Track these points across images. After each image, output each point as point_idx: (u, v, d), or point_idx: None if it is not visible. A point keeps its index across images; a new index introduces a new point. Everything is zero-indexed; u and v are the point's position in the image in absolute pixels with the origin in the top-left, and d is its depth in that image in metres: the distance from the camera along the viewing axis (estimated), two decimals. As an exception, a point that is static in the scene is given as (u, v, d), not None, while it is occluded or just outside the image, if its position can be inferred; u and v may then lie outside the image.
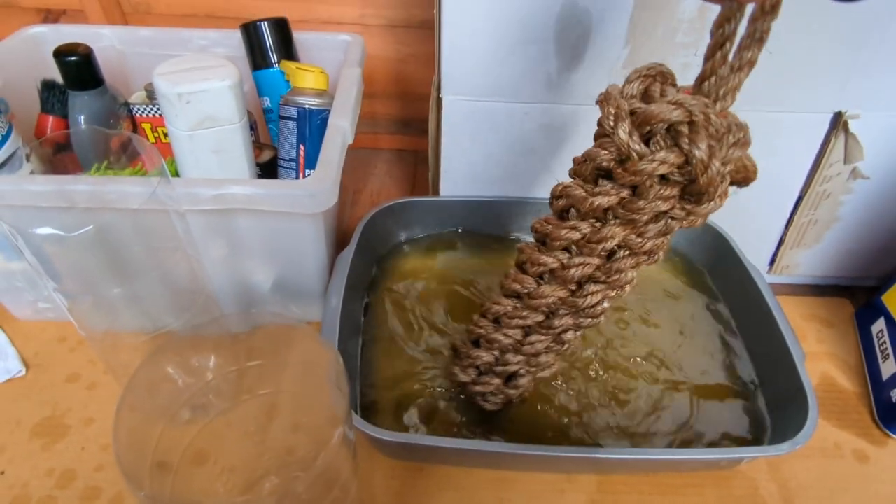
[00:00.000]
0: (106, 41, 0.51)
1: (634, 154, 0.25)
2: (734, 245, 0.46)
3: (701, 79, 0.26)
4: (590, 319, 0.31)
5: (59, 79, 0.46)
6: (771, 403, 0.40)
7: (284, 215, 0.36)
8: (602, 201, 0.27)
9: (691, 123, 0.24)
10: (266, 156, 0.49)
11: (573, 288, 0.30)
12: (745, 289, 0.44)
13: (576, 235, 0.29)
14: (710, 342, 0.44)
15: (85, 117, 0.46)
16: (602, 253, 0.29)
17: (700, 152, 0.24)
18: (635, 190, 0.27)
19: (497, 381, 0.36)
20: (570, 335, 0.33)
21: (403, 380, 0.41)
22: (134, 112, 0.49)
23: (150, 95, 0.49)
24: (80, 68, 0.44)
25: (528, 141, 0.46)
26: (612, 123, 0.26)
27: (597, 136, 0.28)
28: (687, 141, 0.24)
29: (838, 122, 0.43)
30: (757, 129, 0.41)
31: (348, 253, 0.43)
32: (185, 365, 0.40)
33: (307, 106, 0.44)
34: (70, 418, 0.41)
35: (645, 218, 0.27)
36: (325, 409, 0.34)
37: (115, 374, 0.41)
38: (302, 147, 0.44)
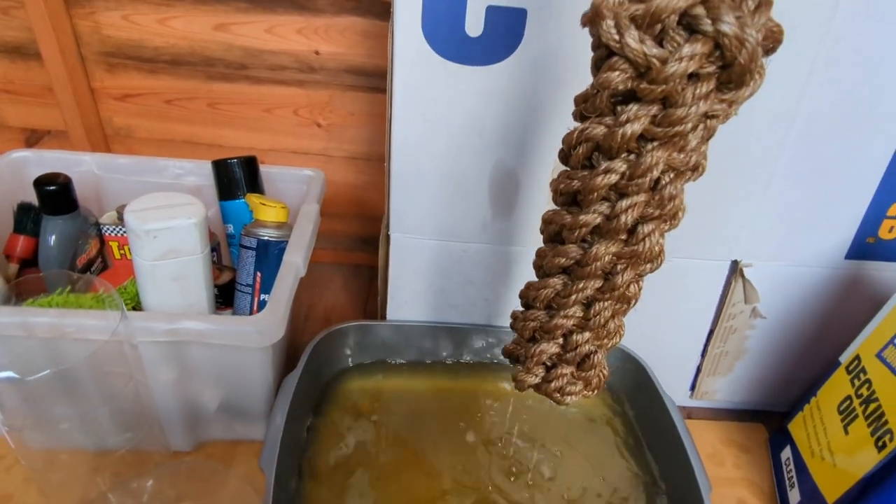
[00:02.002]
0: (85, 166, 0.55)
1: (655, 61, 0.22)
2: (651, 375, 0.50)
3: None
4: (650, 264, 0.28)
5: (35, 201, 0.50)
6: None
7: (235, 346, 0.39)
8: (634, 128, 0.24)
9: (706, 1, 0.21)
10: (225, 277, 0.52)
11: (624, 237, 0.27)
12: (659, 419, 0.48)
13: (613, 178, 0.25)
14: (625, 471, 0.47)
15: (56, 238, 0.49)
16: (649, 186, 0.25)
17: (730, 27, 0.21)
18: (667, 101, 0.23)
19: (570, 368, 0.33)
20: (633, 289, 0.29)
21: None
22: (103, 231, 0.53)
23: (121, 216, 0.53)
24: (57, 196, 0.48)
25: (466, 274, 0.50)
26: (616, 36, 0.23)
27: (596, 62, 0.25)
28: (709, 21, 0.21)
29: (736, 269, 0.49)
30: (670, 273, 0.47)
31: (294, 376, 0.46)
32: (122, 486, 0.41)
33: (266, 238, 0.48)
34: (-3, 543, 0.40)
35: (689, 127, 0.24)
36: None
37: (48, 496, 0.41)
38: (259, 274, 0.48)
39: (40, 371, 0.31)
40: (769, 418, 0.57)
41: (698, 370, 0.55)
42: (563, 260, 0.29)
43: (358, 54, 0.59)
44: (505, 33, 0.40)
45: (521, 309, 0.33)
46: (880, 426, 0.39)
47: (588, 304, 0.30)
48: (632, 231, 0.27)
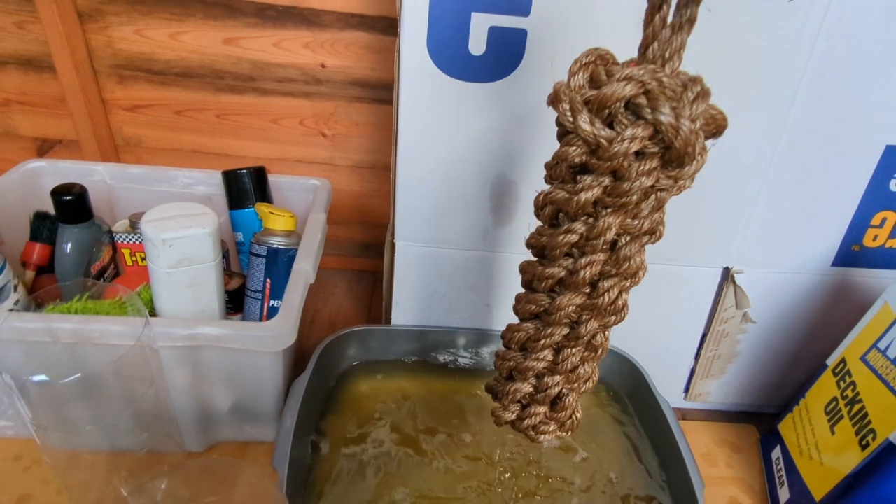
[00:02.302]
0: (98, 176, 0.57)
1: (603, 140, 0.25)
2: (647, 378, 0.52)
3: (644, 46, 0.26)
4: (614, 317, 0.31)
5: (51, 210, 0.51)
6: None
7: (248, 350, 0.40)
8: (587, 196, 0.26)
9: (647, 93, 0.24)
10: (235, 284, 0.54)
11: (588, 290, 0.30)
12: (656, 420, 0.50)
13: (573, 238, 0.28)
14: (631, 466, 0.49)
15: (71, 246, 0.51)
16: (604, 246, 0.28)
17: (665, 117, 0.24)
18: (616, 174, 0.26)
19: (542, 409, 0.35)
20: (599, 339, 0.32)
21: None
22: (116, 239, 0.54)
23: (134, 225, 0.55)
24: (73, 206, 0.49)
25: (468, 281, 0.52)
26: (570, 118, 0.26)
27: (560, 136, 0.28)
28: (649, 110, 0.24)
29: (727, 275, 0.51)
30: (665, 280, 0.48)
31: (304, 378, 0.47)
32: (138, 486, 0.43)
33: (276, 245, 0.50)
34: (18, 541, 0.42)
35: (634, 199, 0.26)
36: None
37: (71, 494, 0.43)
38: (269, 281, 0.50)
39: (64, 375, 0.33)
40: (760, 419, 0.59)
41: (692, 373, 0.57)
42: (534, 307, 0.32)
43: (362, 67, 0.61)
44: (506, 52, 0.42)
45: (503, 348, 0.36)
46: (864, 426, 0.41)
47: (558, 350, 0.33)
48: (594, 286, 0.30)
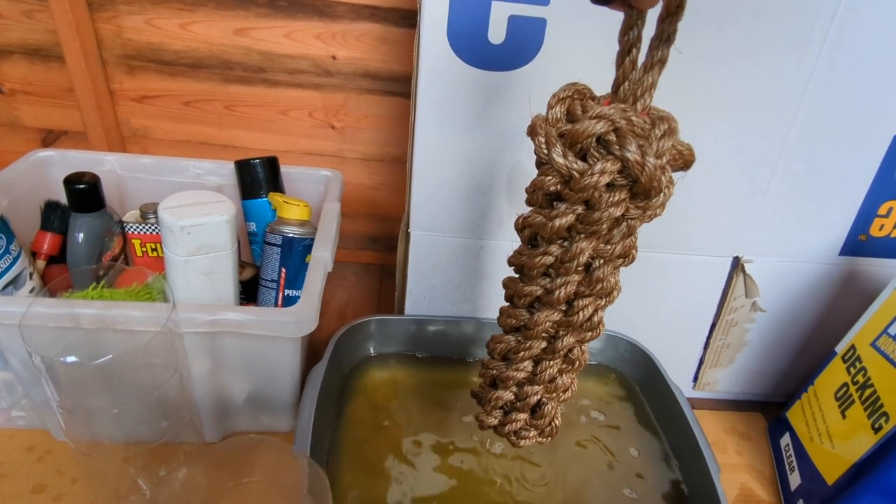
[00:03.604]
0: (108, 166, 0.57)
1: (575, 173, 0.27)
2: (660, 366, 0.53)
3: (616, 85, 0.28)
4: (590, 333, 0.32)
5: (62, 199, 0.51)
6: (695, 513, 0.45)
7: (267, 337, 0.40)
8: (561, 222, 0.28)
9: (616, 130, 0.26)
10: (248, 274, 0.54)
11: (564, 308, 0.32)
12: (669, 407, 0.50)
13: (549, 259, 0.30)
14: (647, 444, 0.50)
15: (83, 235, 0.50)
16: (578, 268, 0.30)
17: (632, 154, 0.26)
18: (588, 204, 0.28)
19: (523, 415, 0.37)
20: (576, 352, 0.34)
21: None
22: (126, 229, 0.54)
23: (144, 215, 0.54)
24: (86, 195, 0.49)
25: (483, 270, 0.53)
26: (545, 151, 0.28)
27: (538, 164, 0.30)
28: (617, 147, 0.26)
29: (737, 264, 0.52)
30: (675, 269, 0.49)
31: (321, 367, 0.47)
32: (155, 475, 0.43)
33: (291, 235, 0.50)
34: (34, 530, 0.41)
35: (605, 227, 0.28)
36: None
37: (91, 482, 0.42)
38: (283, 270, 0.50)
39: (92, 358, 0.33)
40: (766, 408, 0.59)
41: (701, 362, 0.58)
42: (514, 321, 0.34)
43: (374, 59, 0.61)
44: (526, 41, 0.42)
45: (488, 357, 0.38)
46: (876, 410, 0.42)
47: (537, 362, 0.35)
48: (570, 304, 0.32)
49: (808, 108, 0.44)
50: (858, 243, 0.51)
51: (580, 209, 0.28)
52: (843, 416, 0.45)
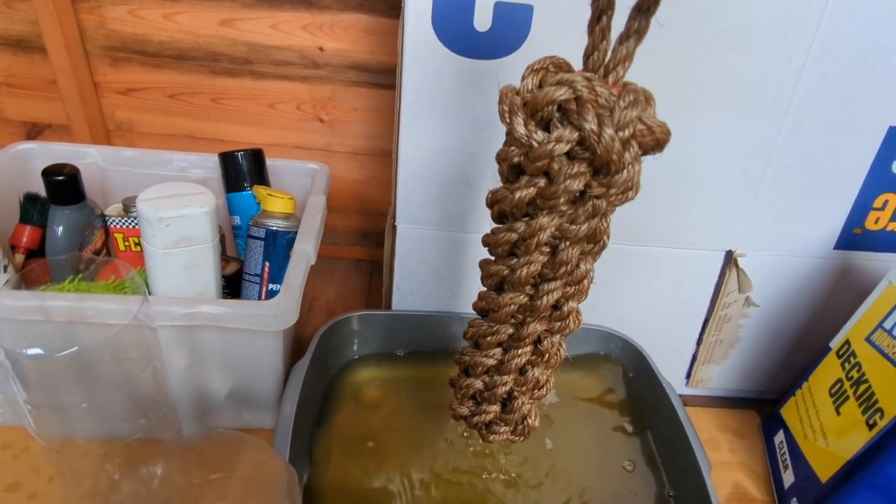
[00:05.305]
0: (90, 158, 0.56)
1: (534, 142, 0.26)
2: (651, 362, 0.52)
3: (586, 55, 0.27)
4: (560, 323, 0.31)
5: (41, 192, 0.50)
6: (686, 512, 0.44)
7: (247, 331, 0.39)
8: (522, 195, 0.27)
9: (577, 99, 0.25)
10: (232, 268, 0.53)
11: (530, 292, 0.30)
12: (661, 404, 0.49)
13: (513, 236, 0.29)
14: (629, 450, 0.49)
15: (63, 228, 0.49)
16: (542, 247, 0.29)
17: (588, 123, 0.24)
18: (548, 175, 0.27)
19: (494, 408, 0.36)
20: (546, 344, 0.33)
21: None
22: (108, 223, 0.53)
23: (127, 209, 0.53)
24: (64, 186, 0.48)
25: (471, 264, 0.52)
26: (507, 119, 0.27)
27: (507, 136, 0.29)
28: (576, 116, 0.25)
29: (730, 259, 0.51)
30: (667, 263, 0.48)
31: (303, 364, 0.46)
32: (133, 473, 0.41)
33: (275, 228, 0.49)
34: (7, 529, 0.40)
35: (562, 200, 0.27)
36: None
37: (64, 481, 0.41)
38: (267, 264, 0.49)
39: (59, 351, 0.32)
40: (760, 405, 0.59)
41: (693, 358, 0.57)
42: (484, 304, 0.33)
43: (362, 51, 0.60)
44: (512, 28, 0.41)
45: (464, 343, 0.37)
46: (871, 406, 0.41)
47: (505, 349, 0.34)
48: (536, 287, 0.31)
49: (802, 99, 0.43)
50: (853, 237, 0.50)
51: (542, 182, 0.27)
52: (838, 413, 0.44)
